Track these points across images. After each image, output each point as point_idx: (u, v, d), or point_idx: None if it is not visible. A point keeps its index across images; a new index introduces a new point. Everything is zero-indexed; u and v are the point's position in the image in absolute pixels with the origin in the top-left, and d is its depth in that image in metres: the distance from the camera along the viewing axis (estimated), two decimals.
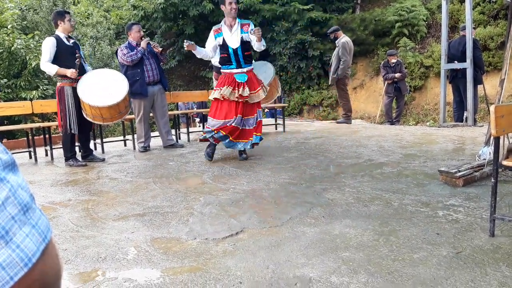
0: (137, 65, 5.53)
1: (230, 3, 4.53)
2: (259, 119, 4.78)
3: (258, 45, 4.61)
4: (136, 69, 5.52)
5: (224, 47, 4.63)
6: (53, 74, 4.85)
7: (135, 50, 5.51)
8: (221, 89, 4.58)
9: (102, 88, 4.78)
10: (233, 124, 4.57)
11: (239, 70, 4.61)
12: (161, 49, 5.77)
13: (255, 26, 4.65)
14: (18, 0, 11.46)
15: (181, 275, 2.10)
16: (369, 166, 4.31)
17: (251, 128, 4.70)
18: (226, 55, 4.64)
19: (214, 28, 4.75)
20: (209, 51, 4.83)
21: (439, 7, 9.90)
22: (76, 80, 4.77)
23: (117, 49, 5.72)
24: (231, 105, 4.58)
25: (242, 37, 4.56)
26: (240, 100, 4.56)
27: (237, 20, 4.64)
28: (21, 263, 0.40)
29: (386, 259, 2.17)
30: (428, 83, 10.99)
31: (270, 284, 1.98)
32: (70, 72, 4.68)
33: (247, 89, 4.57)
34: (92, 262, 2.30)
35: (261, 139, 4.83)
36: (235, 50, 4.56)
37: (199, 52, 4.83)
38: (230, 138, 4.67)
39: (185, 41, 4.71)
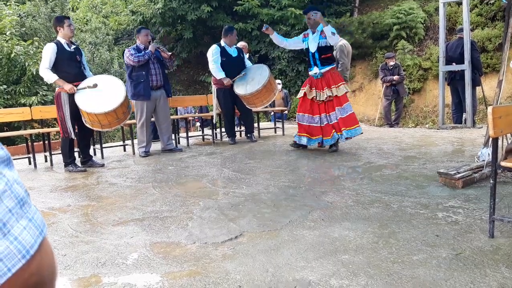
0: (143, 68, 5.56)
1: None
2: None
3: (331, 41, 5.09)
4: (141, 71, 5.55)
5: (306, 50, 5.33)
6: (50, 83, 4.86)
7: (143, 52, 5.55)
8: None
9: (99, 94, 4.77)
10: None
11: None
12: (170, 53, 5.81)
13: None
14: (16, 6, 11.49)
15: (181, 279, 2.09)
16: (368, 168, 4.31)
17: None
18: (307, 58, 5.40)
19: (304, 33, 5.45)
20: (289, 43, 5.52)
21: (437, 9, 9.94)
22: (74, 86, 4.77)
23: (124, 50, 5.75)
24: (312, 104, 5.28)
25: (319, 43, 5.13)
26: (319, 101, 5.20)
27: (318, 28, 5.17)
28: (19, 254, 0.40)
29: (386, 261, 2.16)
30: (427, 85, 11.01)
31: (269, 287, 1.97)
32: (69, 88, 4.69)
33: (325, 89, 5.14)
34: (92, 267, 2.29)
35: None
36: (313, 54, 5.19)
37: (275, 38, 5.44)
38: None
39: (264, 26, 5.37)
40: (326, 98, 5.11)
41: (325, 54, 5.17)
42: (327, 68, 5.16)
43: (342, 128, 5.05)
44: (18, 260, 0.40)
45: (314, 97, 5.19)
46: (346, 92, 5.14)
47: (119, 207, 3.43)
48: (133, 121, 6.06)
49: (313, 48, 5.18)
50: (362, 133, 5.21)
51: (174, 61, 6.05)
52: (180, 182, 4.16)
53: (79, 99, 4.71)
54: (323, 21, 5.02)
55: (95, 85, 4.75)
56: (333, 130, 5.11)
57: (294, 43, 5.46)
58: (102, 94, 4.79)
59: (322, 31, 5.09)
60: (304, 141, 5.33)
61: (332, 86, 5.09)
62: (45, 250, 0.44)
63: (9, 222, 0.40)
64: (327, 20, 12.43)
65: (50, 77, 4.71)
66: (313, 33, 5.19)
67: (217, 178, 4.25)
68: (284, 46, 5.63)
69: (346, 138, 5.11)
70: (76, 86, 4.77)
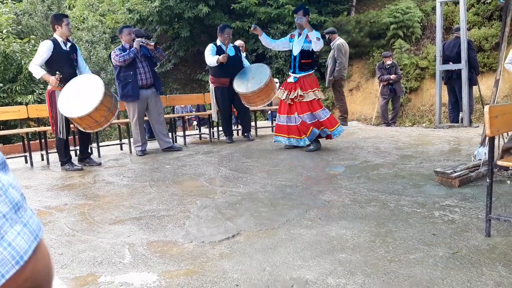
0: (130, 68, 5.48)
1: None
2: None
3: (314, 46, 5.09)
4: (128, 71, 5.49)
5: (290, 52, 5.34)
6: (37, 78, 4.82)
7: (128, 51, 5.49)
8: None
9: (79, 96, 4.60)
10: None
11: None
12: (153, 43, 5.63)
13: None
14: (13, 4, 11.44)
15: (178, 278, 2.09)
16: (365, 167, 4.32)
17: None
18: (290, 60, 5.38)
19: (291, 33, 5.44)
20: (277, 44, 5.50)
21: (434, 8, 9.95)
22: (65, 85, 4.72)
23: (111, 52, 5.69)
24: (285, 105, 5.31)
25: (303, 47, 5.16)
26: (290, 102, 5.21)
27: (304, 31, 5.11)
28: (12, 260, 0.40)
29: (383, 260, 2.17)
30: (424, 84, 11.03)
31: (266, 286, 1.97)
32: (51, 80, 4.63)
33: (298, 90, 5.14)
34: (88, 266, 2.29)
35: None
36: (295, 57, 5.22)
37: (264, 39, 5.41)
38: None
39: (252, 25, 5.36)
40: (296, 97, 5.12)
41: (306, 59, 5.19)
42: (303, 74, 5.19)
43: (332, 129, 5.21)
44: (11, 266, 0.40)
45: (285, 100, 5.21)
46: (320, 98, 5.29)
47: (116, 206, 3.42)
48: (128, 120, 6.04)
49: (296, 51, 5.20)
50: (344, 129, 5.50)
51: (162, 50, 5.83)
52: (177, 181, 4.15)
53: (60, 100, 4.60)
54: (308, 26, 4.99)
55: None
56: (311, 127, 5.15)
57: (282, 44, 5.45)
58: (81, 96, 4.59)
59: (307, 35, 5.08)
60: (294, 142, 5.33)
61: (309, 91, 5.12)
62: (41, 253, 0.44)
63: (3, 228, 0.40)
64: (324, 19, 12.49)
65: (37, 72, 4.67)
66: (299, 35, 5.18)
67: (214, 177, 4.25)
68: (272, 47, 5.62)
69: (328, 137, 5.34)
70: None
